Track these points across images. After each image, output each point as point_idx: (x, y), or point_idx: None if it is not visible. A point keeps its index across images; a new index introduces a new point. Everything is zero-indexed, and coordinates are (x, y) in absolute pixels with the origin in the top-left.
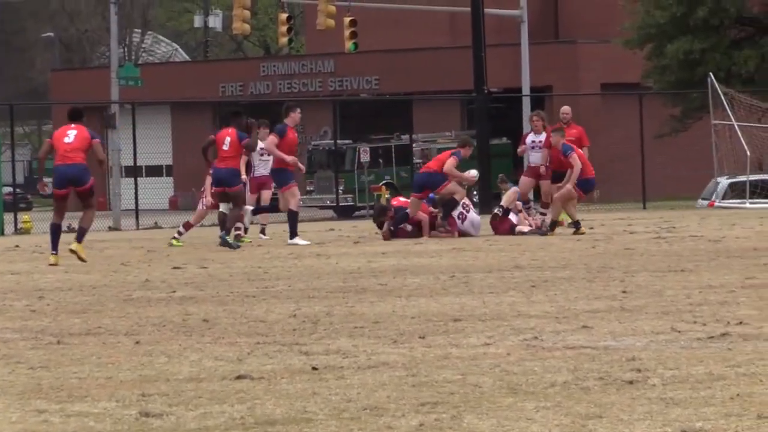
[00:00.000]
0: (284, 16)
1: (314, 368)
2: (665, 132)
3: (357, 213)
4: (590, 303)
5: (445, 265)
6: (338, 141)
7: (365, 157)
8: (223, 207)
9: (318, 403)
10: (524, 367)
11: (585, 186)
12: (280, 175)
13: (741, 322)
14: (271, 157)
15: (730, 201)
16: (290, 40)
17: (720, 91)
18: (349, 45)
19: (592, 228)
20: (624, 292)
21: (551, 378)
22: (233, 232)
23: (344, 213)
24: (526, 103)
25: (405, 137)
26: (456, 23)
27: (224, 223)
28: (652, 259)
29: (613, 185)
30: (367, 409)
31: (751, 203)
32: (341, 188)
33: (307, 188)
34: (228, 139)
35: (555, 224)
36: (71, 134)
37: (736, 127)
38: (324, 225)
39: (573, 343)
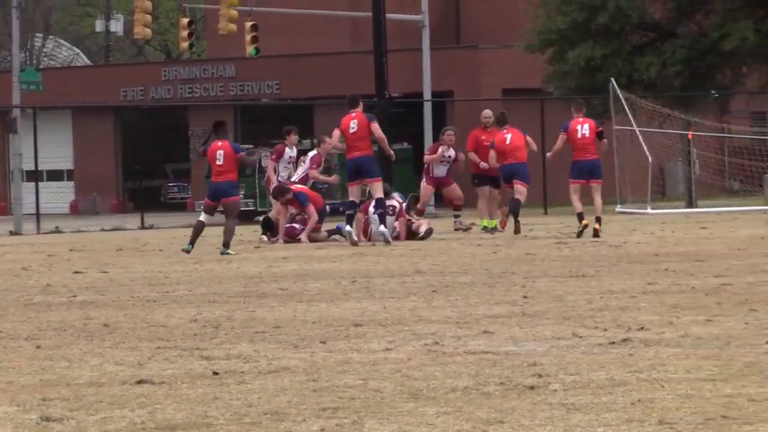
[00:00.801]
0: (185, 20)
1: (215, 373)
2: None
3: (258, 218)
4: (491, 308)
5: (346, 269)
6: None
7: (266, 162)
8: (203, 218)
9: (219, 407)
10: (425, 372)
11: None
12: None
13: (642, 328)
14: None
15: (631, 206)
16: (191, 45)
17: (621, 97)
18: (250, 50)
19: (496, 231)
20: (525, 297)
21: (452, 383)
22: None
23: (245, 218)
24: (428, 108)
25: (306, 142)
26: (358, 28)
27: (198, 233)
28: (553, 265)
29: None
30: (267, 414)
31: (652, 209)
32: (242, 193)
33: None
34: (221, 153)
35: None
36: None
37: (638, 132)
38: None
39: (474, 349)
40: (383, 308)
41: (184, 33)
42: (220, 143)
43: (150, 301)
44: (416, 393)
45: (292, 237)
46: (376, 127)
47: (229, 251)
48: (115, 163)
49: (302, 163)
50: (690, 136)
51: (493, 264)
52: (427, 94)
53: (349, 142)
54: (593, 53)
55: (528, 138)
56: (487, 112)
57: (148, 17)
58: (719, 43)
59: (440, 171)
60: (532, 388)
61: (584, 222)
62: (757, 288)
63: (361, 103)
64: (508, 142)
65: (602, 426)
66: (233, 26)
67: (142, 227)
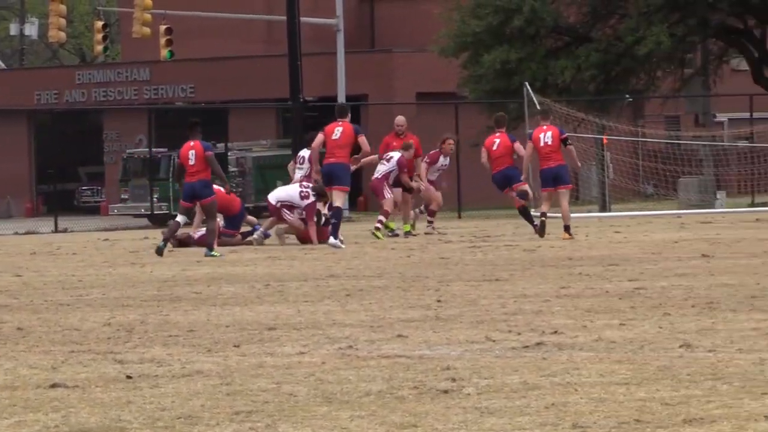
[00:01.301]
0: (100, 24)
1: (129, 377)
2: (481, 141)
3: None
4: (405, 312)
5: (260, 273)
6: (153, 149)
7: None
8: (180, 218)
9: (132, 411)
10: (339, 376)
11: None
12: None
13: (556, 332)
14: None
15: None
16: (106, 48)
17: (536, 101)
18: (164, 53)
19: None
20: (439, 301)
21: (366, 387)
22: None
23: (159, 221)
24: None
25: (221, 145)
26: (273, 32)
27: (173, 233)
28: (467, 269)
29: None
30: (181, 418)
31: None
32: (156, 196)
33: (122, 196)
34: (192, 153)
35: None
36: None
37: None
38: (139, 233)
39: (388, 352)
40: (297, 312)
41: (99, 36)
42: (192, 143)
43: (64, 305)
44: (330, 397)
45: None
46: (364, 140)
47: (213, 253)
48: (28, 166)
49: (384, 162)
50: (605, 141)
51: (407, 268)
52: (342, 98)
53: (329, 148)
54: (508, 57)
55: (517, 144)
56: (400, 119)
57: (63, 21)
58: (634, 48)
59: (433, 176)
60: (445, 391)
61: (542, 219)
62: (670, 292)
63: (349, 114)
64: (495, 147)
65: (516, 430)
66: (147, 30)
67: (56, 231)
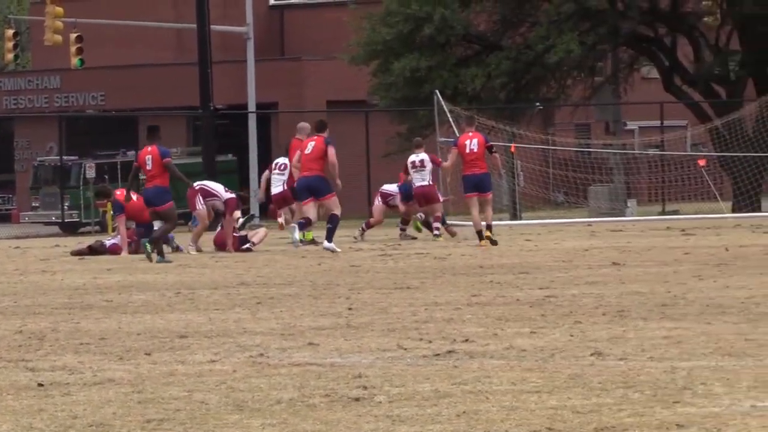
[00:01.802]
0: (11, 32)
1: (40, 384)
2: (392, 150)
3: (82, 229)
4: (316, 320)
5: (171, 281)
6: (64, 157)
7: (91, 173)
8: (158, 224)
9: (44, 419)
10: (250, 384)
11: None
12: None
13: (467, 340)
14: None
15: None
16: (16, 56)
17: (446, 109)
18: (75, 61)
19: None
20: (350, 309)
21: (277, 395)
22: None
23: (70, 229)
24: (252, 119)
25: (131, 153)
26: (183, 40)
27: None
28: (378, 276)
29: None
30: (93, 426)
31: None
32: (67, 204)
33: (33, 204)
34: (149, 158)
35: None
36: None
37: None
38: (49, 241)
39: (299, 360)
40: (208, 320)
41: (9, 44)
42: (149, 148)
43: None
44: (241, 405)
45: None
46: (331, 152)
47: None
48: None
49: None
50: (512, 149)
51: (318, 276)
52: (252, 106)
53: (303, 162)
54: (418, 64)
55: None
56: (303, 125)
57: None
58: (544, 56)
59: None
60: (357, 399)
61: (482, 242)
62: (581, 300)
63: (327, 129)
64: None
65: None
66: (58, 37)
67: None
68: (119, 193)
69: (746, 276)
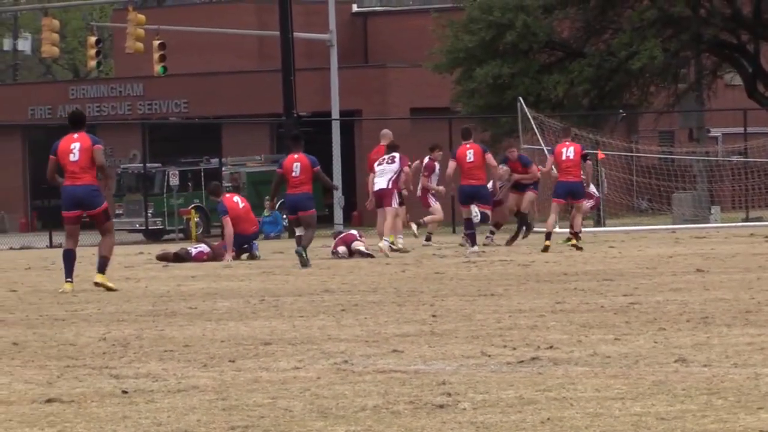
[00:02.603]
0: (93, 39)
1: (124, 392)
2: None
3: (166, 236)
4: (400, 327)
5: (255, 288)
6: (147, 164)
7: (174, 181)
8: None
9: (128, 426)
10: (334, 391)
11: None
12: None
13: (551, 347)
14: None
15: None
16: (99, 63)
17: (530, 116)
18: (158, 68)
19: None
20: (434, 316)
21: (362, 402)
22: None
23: (153, 236)
24: (336, 126)
25: (214, 161)
26: (265, 47)
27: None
28: (462, 284)
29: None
30: None
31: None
32: (150, 212)
33: (117, 211)
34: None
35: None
36: None
37: (546, 151)
38: (133, 248)
39: (383, 367)
40: (292, 327)
41: (92, 52)
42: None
43: (59, 320)
44: (325, 412)
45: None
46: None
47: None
48: (23, 181)
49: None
50: (600, 156)
51: (402, 283)
52: (335, 113)
53: (466, 170)
54: (501, 71)
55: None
56: (386, 132)
57: (56, 36)
58: (627, 62)
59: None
60: (441, 406)
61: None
62: (665, 307)
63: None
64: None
65: None
66: (140, 45)
67: (51, 246)
68: (228, 196)
69: None
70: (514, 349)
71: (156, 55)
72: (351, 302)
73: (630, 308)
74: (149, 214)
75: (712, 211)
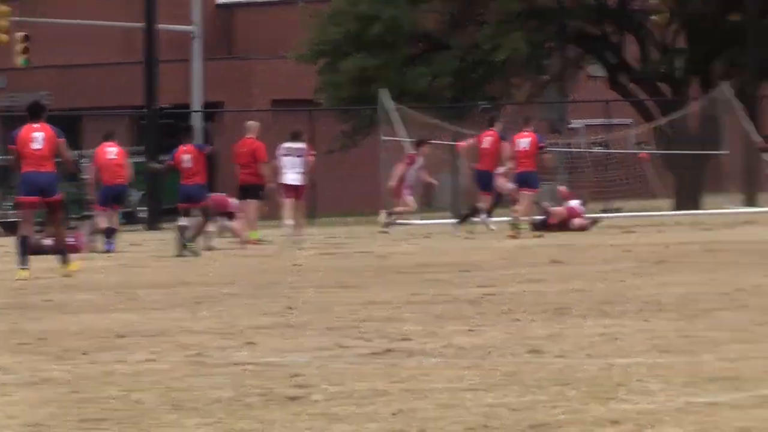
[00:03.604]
0: None
1: None
2: (335, 147)
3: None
4: (255, 319)
5: (112, 281)
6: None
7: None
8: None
9: None
10: (187, 384)
11: None
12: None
13: (405, 338)
14: None
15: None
16: None
17: (391, 107)
18: (20, 60)
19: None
20: (290, 308)
21: (214, 394)
22: None
23: (8, 228)
24: (197, 118)
25: (75, 152)
26: (131, 39)
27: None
28: (319, 276)
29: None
30: (29, 426)
31: (420, 219)
32: (8, 204)
33: None
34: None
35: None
36: None
37: (404, 143)
38: None
39: (237, 360)
40: (147, 319)
41: None
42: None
43: None
44: (178, 404)
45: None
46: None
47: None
48: None
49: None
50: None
51: (259, 275)
52: (197, 105)
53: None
54: (366, 63)
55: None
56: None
57: None
58: (491, 54)
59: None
60: (293, 398)
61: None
62: (520, 298)
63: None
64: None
65: None
66: (4, 36)
67: None
68: None
69: (684, 273)
70: (369, 341)
71: (19, 47)
72: (207, 294)
73: (485, 299)
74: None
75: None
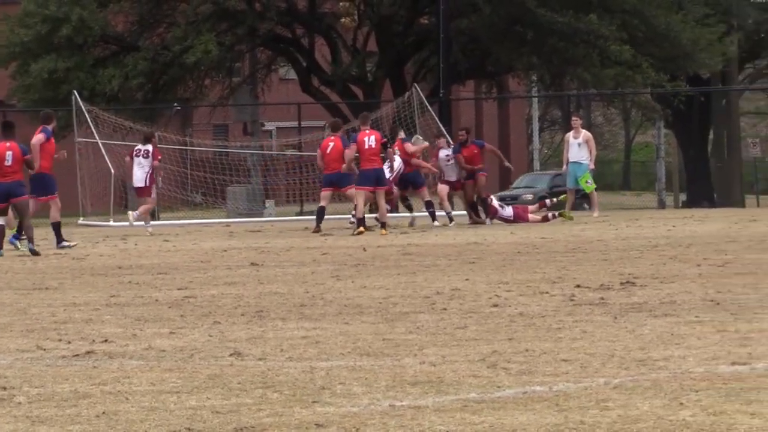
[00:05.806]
0: None
1: None
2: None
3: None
4: None
5: None
6: None
7: None
8: (1, 220)
9: None
10: None
11: None
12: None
13: (106, 340)
14: None
15: (93, 219)
16: None
17: (84, 109)
18: None
19: None
20: None
21: None
22: None
23: None
24: None
25: None
26: None
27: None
28: (17, 277)
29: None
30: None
31: (115, 221)
32: None
33: None
34: (9, 154)
35: None
36: None
37: (100, 145)
38: None
39: None
40: None
41: None
42: (8, 144)
43: None
44: None
45: None
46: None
47: (34, 247)
48: None
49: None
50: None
51: None
52: None
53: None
54: (57, 65)
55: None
56: None
57: None
58: (182, 56)
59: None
60: None
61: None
62: (220, 300)
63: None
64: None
65: None
66: None
67: None
68: None
69: (383, 276)
70: (69, 342)
71: None
72: None
73: (185, 302)
74: None
75: (267, 204)
